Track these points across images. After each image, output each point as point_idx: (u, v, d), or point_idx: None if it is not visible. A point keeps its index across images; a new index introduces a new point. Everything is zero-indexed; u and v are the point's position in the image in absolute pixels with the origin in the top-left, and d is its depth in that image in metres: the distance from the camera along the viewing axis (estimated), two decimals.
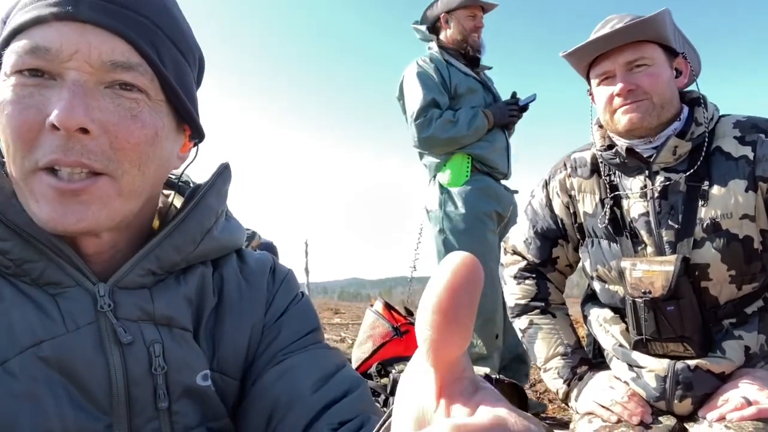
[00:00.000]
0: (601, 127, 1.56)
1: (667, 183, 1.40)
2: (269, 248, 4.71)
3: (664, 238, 1.40)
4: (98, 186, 0.59)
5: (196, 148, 0.77)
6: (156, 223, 0.76)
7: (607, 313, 1.57)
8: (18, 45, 0.57)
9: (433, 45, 2.90)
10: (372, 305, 2.48)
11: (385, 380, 2.08)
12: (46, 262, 0.61)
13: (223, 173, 0.77)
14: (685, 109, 1.47)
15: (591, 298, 1.70)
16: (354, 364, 2.30)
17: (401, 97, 2.90)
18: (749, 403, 1.30)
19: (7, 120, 0.57)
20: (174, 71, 0.65)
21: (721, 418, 1.31)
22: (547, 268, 1.69)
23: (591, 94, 1.56)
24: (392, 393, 1.97)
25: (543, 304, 1.68)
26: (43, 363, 0.58)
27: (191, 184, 0.80)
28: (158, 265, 0.67)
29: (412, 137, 2.81)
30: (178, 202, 0.79)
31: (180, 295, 0.68)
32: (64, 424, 0.57)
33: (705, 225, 1.35)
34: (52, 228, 0.58)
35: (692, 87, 1.54)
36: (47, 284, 0.61)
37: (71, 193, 0.58)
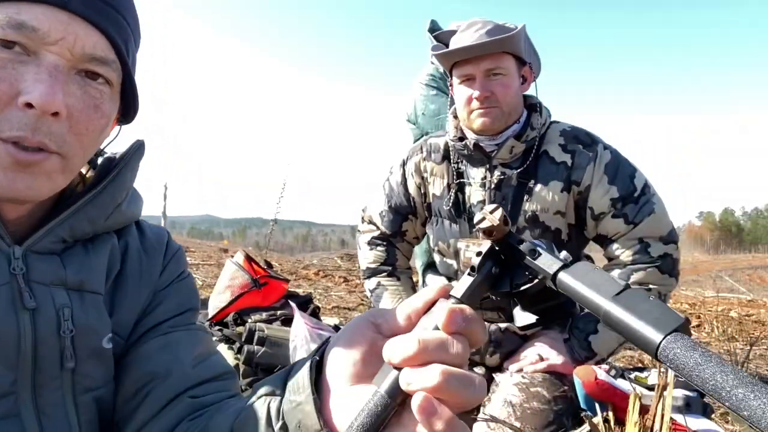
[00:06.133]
0: (455, 117, 1.75)
1: (502, 177, 1.65)
2: None
3: None
4: (50, 162, 0.62)
5: (119, 128, 0.79)
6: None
7: (443, 281, 1.82)
8: (1, 16, 0.58)
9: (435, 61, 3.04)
10: (233, 256, 2.54)
11: (240, 329, 2.16)
12: None
13: (138, 150, 0.79)
14: (525, 113, 1.70)
15: (431, 266, 1.95)
16: (211, 312, 2.36)
17: (414, 112, 3.02)
18: (542, 359, 1.63)
19: None
20: (133, 66, 0.71)
21: (520, 370, 1.64)
22: (396, 238, 1.89)
23: (451, 85, 1.74)
24: (247, 341, 2.08)
25: (390, 268, 1.89)
26: None
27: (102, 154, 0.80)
28: (71, 233, 0.70)
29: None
30: (87, 171, 0.80)
31: (91, 260, 0.71)
32: None
33: (527, 216, 1.62)
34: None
35: (532, 91, 1.77)
36: None
37: (26, 164, 0.60)
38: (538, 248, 0.48)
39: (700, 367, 0.36)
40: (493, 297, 0.52)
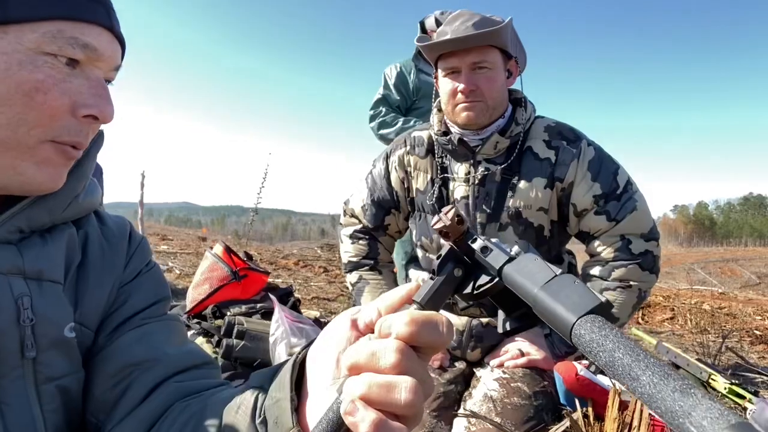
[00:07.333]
0: (440, 110, 1.74)
1: (486, 173, 1.64)
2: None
3: (477, 220, 1.64)
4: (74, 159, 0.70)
5: None
6: None
7: (425, 275, 1.81)
8: (65, 35, 0.62)
9: (414, 50, 3.17)
10: (212, 247, 2.49)
11: (219, 322, 2.13)
12: None
13: (98, 141, 0.78)
14: (510, 108, 1.69)
15: (414, 260, 1.94)
16: (189, 305, 2.32)
17: None
18: (522, 354, 1.64)
19: (43, 100, 0.62)
20: None
21: (501, 365, 1.64)
22: (379, 232, 1.87)
23: (436, 78, 1.72)
24: (226, 335, 2.05)
25: (372, 262, 1.88)
26: None
27: None
28: (27, 224, 0.69)
29: None
30: None
31: (49, 250, 0.71)
32: None
33: (510, 212, 1.62)
34: (45, 188, 0.67)
35: (517, 85, 1.77)
36: None
37: (70, 162, 0.69)
38: (489, 245, 0.48)
39: (606, 353, 0.34)
40: (465, 302, 0.51)
